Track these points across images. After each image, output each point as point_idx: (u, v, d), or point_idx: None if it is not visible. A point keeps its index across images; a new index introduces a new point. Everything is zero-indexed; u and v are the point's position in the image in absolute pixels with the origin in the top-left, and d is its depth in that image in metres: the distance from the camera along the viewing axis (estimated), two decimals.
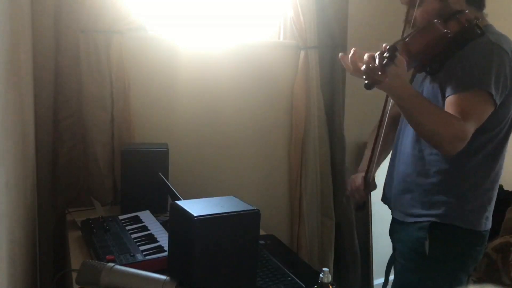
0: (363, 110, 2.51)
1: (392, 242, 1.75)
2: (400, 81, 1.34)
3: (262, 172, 2.47)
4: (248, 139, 2.41)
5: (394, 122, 1.73)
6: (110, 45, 1.99)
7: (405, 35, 1.53)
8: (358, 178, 1.73)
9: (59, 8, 1.94)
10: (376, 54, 1.30)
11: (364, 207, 1.72)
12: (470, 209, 1.50)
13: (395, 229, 1.69)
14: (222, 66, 2.27)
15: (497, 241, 2.55)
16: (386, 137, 1.69)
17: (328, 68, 2.46)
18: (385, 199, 1.75)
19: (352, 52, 1.37)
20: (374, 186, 1.74)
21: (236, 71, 2.31)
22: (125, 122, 2.05)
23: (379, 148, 1.68)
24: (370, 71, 1.28)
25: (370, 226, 2.68)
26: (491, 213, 1.56)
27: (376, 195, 2.68)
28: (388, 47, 1.29)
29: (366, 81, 1.31)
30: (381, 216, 2.67)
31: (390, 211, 1.73)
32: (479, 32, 1.43)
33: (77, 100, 2.00)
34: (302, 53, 2.38)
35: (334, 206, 2.52)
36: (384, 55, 1.27)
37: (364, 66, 1.30)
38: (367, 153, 1.75)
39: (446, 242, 1.52)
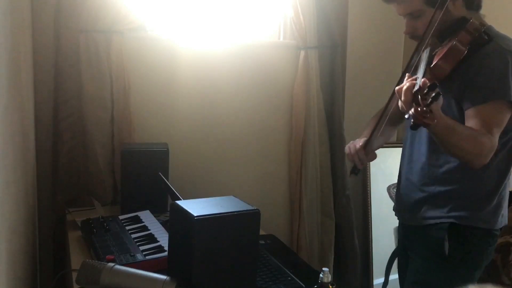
0: (363, 110, 2.51)
1: (400, 238, 1.76)
2: (438, 115, 1.29)
3: (262, 172, 2.47)
4: (248, 139, 2.41)
5: (392, 121, 1.70)
6: (110, 45, 1.99)
7: (419, 50, 1.50)
8: (358, 144, 1.65)
9: (59, 8, 1.94)
10: (419, 97, 1.24)
11: (358, 173, 1.69)
12: (488, 210, 1.52)
13: (409, 229, 1.68)
14: (222, 66, 2.27)
15: (497, 241, 2.54)
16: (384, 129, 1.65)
17: (328, 68, 2.46)
18: (397, 211, 1.75)
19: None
20: (374, 155, 1.67)
21: (236, 71, 2.31)
22: (125, 122, 2.05)
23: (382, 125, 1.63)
24: (420, 116, 1.22)
25: (370, 226, 2.68)
26: (506, 209, 1.58)
27: (376, 195, 2.69)
28: (428, 85, 1.24)
29: (413, 123, 1.25)
30: (381, 216, 2.68)
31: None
32: (487, 38, 1.44)
33: (77, 100, 2.00)
34: (302, 53, 2.38)
35: (334, 206, 2.52)
36: (427, 94, 1.22)
37: (412, 110, 1.24)
38: (371, 123, 1.72)
39: (464, 243, 1.53)
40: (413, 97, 1.26)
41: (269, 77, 2.40)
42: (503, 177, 1.53)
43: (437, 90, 1.21)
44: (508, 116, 1.43)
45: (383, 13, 2.54)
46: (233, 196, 1.28)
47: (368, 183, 2.69)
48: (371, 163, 2.67)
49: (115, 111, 2.04)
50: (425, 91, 1.23)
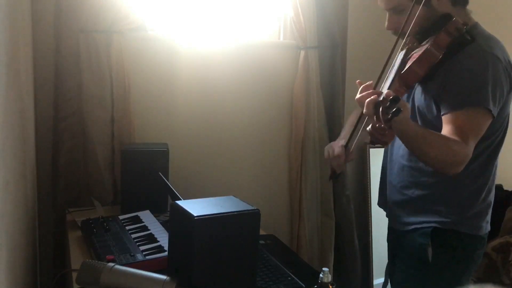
0: None
1: (389, 248, 1.73)
2: (405, 125, 1.27)
3: (262, 172, 2.47)
4: (248, 139, 2.41)
5: None
6: (110, 45, 1.99)
7: (399, 48, 1.47)
8: (337, 146, 1.61)
9: (59, 8, 1.94)
10: (380, 110, 1.19)
11: (339, 177, 1.65)
12: (471, 215, 1.49)
13: (394, 236, 1.66)
14: (222, 66, 2.27)
15: (497, 241, 2.55)
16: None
17: (328, 68, 2.46)
18: (381, 205, 1.74)
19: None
20: (353, 156, 1.63)
21: (236, 71, 2.31)
22: (125, 122, 2.05)
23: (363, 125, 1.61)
24: (378, 134, 1.22)
25: (370, 227, 2.68)
26: (490, 215, 1.55)
27: (376, 195, 2.68)
28: (389, 98, 1.16)
29: (370, 140, 1.26)
30: (381, 216, 2.68)
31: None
32: (469, 39, 1.38)
33: (77, 100, 2.00)
34: (302, 53, 2.38)
35: (334, 206, 2.52)
36: (388, 110, 1.15)
37: (369, 127, 1.24)
38: (350, 121, 1.70)
39: (448, 248, 1.50)
40: (375, 110, 1.22)
41: (269, 77, 2.40)
42: (485, 180, 1.49)
43: (399, 104, 1.14)
44: (486, 123, 1.37)
45: (383, 13, 2.53)
46: (233, 196, 1.28)
47: (368, 183, 2.69)
48: (371, 163, 2.68)
49: (115, 111, 2.04)
50: (387, 104, 1.15)
